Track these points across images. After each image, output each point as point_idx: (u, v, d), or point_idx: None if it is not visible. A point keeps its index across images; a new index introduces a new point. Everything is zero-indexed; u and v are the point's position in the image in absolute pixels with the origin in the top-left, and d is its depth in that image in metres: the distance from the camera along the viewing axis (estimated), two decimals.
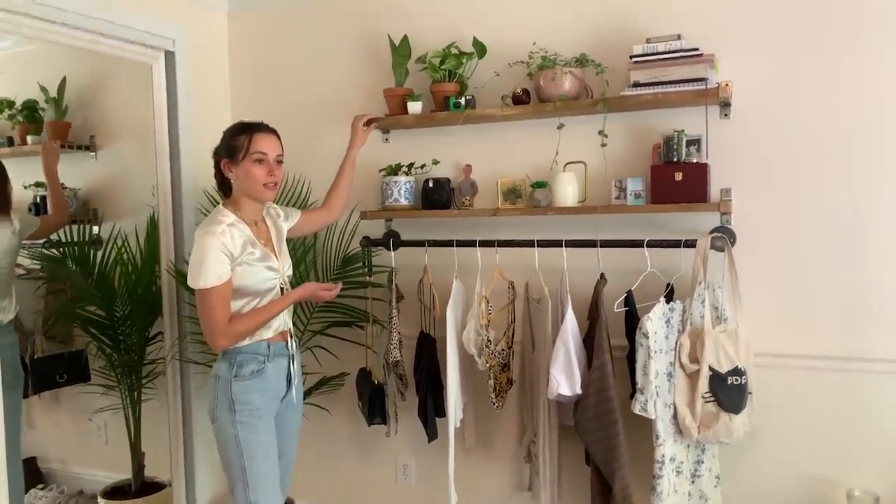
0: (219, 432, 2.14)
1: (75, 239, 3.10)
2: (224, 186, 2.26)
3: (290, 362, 2.25)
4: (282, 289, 2.22)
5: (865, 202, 2.34)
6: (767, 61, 2.41)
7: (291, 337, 2.29)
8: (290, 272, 2.33)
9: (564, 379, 2.31)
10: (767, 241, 2.46)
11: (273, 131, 2.23)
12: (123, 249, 3.11)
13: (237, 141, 2.15)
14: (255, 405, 2.14)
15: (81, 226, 3.15)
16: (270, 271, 2.17)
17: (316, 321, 2.99)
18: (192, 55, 3.10)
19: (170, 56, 3.01)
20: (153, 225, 3.11)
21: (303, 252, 2.94)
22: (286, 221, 2.41)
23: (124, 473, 3.23)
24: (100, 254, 3.12)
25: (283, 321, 2.25)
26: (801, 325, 2.44)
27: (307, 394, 3.02)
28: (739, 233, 2.44)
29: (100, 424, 3.58)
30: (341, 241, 2.95)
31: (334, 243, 2.96)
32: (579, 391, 2.32)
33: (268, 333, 2.18)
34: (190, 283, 2.06)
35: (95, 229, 3.26)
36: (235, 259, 2.08)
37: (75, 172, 3.47)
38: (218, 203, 2.31)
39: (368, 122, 2.67)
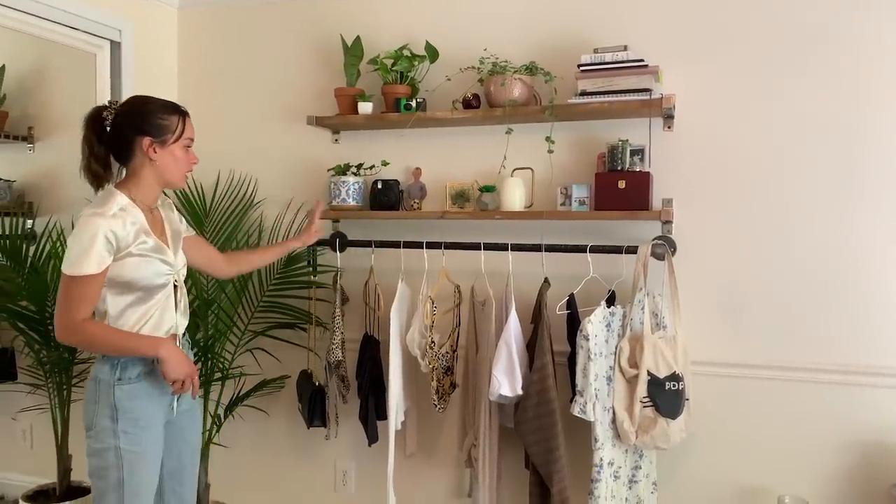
0: (95, 442, 1.87)
1: (7, 232, 2.98)
2: (115, 162, 1.96)
3: None
4: (175, 286, 1.99)
5: (798, 217, 2.43)
6: (710, 77, 2.49)
7: (183, 338, 2.05)
8: (185, 271, 2.07)
9: (506, 379, 2.31)
10: (706, 251, 2.52)
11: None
12: (59, 243, 3.00)
13: (168, 121, 1.92)
14: (140, 412, 1.89)
15: (14, 219, 3.02)
16: (164, 265, 1.93)
17: (257, 322, 2.93)
18: (140, 48, 3.04)
19: (115, 47, 2.95)
20: None
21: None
22: (185, 228, 2.17)
23: (49, 477, 3.08)
24: (33, 248, 3.00)
25: (175, 323, 1.99)
26: (735, 335, 2.50)
27: (245, 396, 2.96)
28: (680, 242, 2.50)
29: (25, 427, 3.42)
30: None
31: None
32: (520, 392, 2.33)
33: (158, 333, 1.93)
34: (63, 266, 1.80)
35: (29, 223, 3.14)
36: (124, 249, 1.84)
37: (11, 164, 3.35)
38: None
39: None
